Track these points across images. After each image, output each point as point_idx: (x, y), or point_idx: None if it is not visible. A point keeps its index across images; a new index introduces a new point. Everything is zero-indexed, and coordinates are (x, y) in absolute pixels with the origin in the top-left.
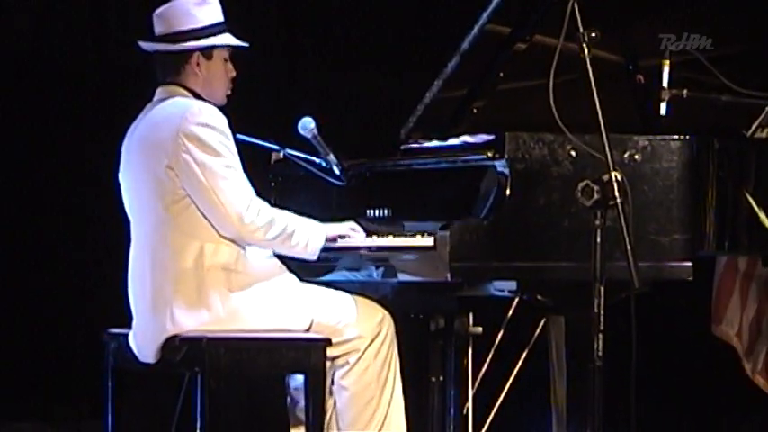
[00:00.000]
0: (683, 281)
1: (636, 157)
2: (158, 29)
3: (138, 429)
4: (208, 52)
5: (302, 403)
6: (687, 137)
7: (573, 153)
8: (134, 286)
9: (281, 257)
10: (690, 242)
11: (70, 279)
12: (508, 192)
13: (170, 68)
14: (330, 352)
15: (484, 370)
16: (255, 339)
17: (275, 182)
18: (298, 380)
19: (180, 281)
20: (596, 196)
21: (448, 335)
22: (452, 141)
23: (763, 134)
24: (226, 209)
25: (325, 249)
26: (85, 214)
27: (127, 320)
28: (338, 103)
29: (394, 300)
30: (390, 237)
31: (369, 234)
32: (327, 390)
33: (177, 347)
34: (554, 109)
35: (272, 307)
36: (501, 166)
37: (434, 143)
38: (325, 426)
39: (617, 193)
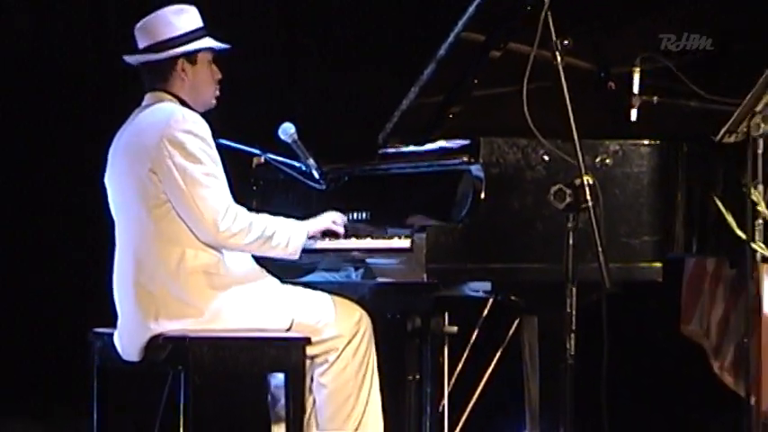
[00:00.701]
0: (653, 282)
1: (607, 161)
2: (141, 41)
3: (124, 426)
4: (192, 57)
5: (282, 401)
6: (657, 142)
7: (546, 157)
8: (119, 287)
9: (262, 259)
10: (659, 244)
11: (57, 280)
12: (483, 195)
13: (157, 77)
14: (310, 351)
15: (459, 369)
16: (237, 339)
17: (257, 185)
18: (278, 378)
19: (163, 283)
20: (569, 200)
21: (424, 334)
22: (429, 146)
23: (731, 139)
24: (202, 214)
25: (306, 251)
26: (73, 218)
27: (112, 320)
28: (338, 102)
29: (372, 300)
30: (368, 239)
31: (348, 236)
32: (307, 388)
33: (161, 346)
34: (528, 115)
35: (253, 307)
36: (476, 170)
37: (411, 148)
38: (305, 423)
39: (589, 197)
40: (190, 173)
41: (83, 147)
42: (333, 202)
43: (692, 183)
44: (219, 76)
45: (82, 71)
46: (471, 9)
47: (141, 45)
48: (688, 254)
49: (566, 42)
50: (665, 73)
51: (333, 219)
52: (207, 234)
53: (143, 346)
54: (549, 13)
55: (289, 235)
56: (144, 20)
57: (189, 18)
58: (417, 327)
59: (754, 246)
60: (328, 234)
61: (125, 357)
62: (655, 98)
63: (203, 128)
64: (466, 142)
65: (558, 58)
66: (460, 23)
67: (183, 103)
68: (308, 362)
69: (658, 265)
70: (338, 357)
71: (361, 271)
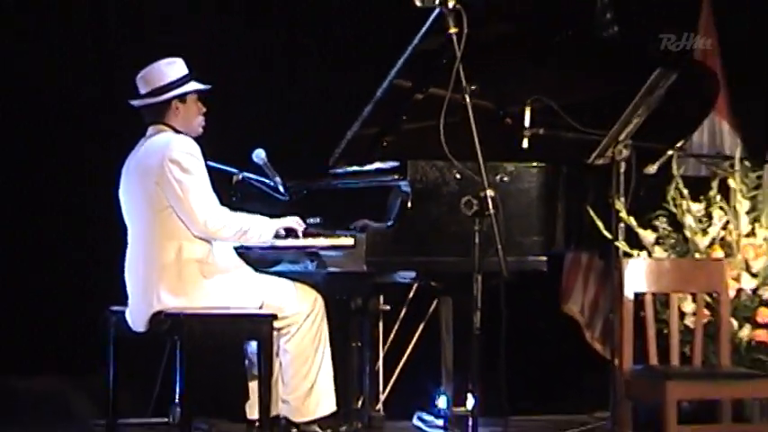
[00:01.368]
0: (540, 271)
1: (505, 179)
2: (142, 88)
3: (132, 382)
4: (183, 98)
5: (256, 364)
6: (543, 164)
7: (458, 176)
8: (129, 274)
9: (241, 253)
10: (545, 242)
11: (82, 269)
12: (409, 205)
13: (156, 114)
14: (276, 324)
15: (391, 338)
16: (220, 315)
17: (235, 196)
18: (253, 345)
19: (164, 271)
20: (475, 208)
21: (364, 311)
22: (368, 167)
23: (600, 162)
24: (196, 215)
25: (274, 248)
26: (97, 222)
27: (124, 301)
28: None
29: (324, 285)
30: (321, 238)
31: (305, 235)
32: (275, 353)
33: (162, 321)
34: (444, 143)
35: (233, 291)
36: (404, 185)
37: (355, 168)
38: (273, 380)
39: (491, 206)
40: (185, 184)
41: (92, 166)
42: (294, 209)
43: (570, 195)
44: (204, 109)
45: (93, 105)
46: (401, 62)
47: (142, 91)
48: (567, 249)
49: (473, 88)
50: (549, 111)
51: (295, 221)
52: (199, 229)
53: (148, 320)
54: (460, 65)
55: (260, 230)
56: (143, 71)
57: (178, 68)
58: (359, 306)
59: (617, 244)
60: (290, 232)
61: (134, 329)
62: (541, 130)
63: (195, 149)
64: (396, 164)
65: (467, 100)
66: (393, 72)
67: (178, 131)
68: (275, 333)
69: (544, 258)
70: (298, 329)
71: (316, 263)
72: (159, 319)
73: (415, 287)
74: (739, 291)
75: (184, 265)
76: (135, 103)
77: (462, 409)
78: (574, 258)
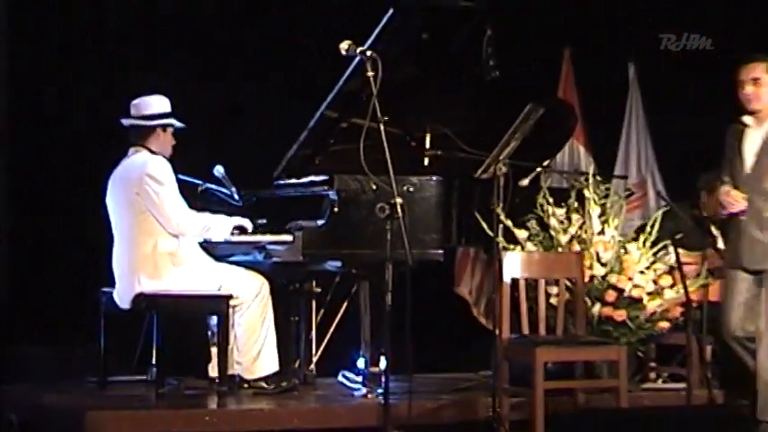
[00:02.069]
0: (437, 261)
1: (410, 189)
2: (134, 112)
3: (118, 349)
4: (165, 127)
5: (216, 333)
6: (440, 178)
7: (374, 187)
8: (116, 264)
9: (204, 247)
10: (441, 239)
11: (80, 260)
12: (336, 209)
13: (140, 135)
14: (231, 303)
15: (321, 313)
16: (188, 295)
17: (200, 202)
18: (213, 320)
19: (143, 261)
20: (387, 212)
21: (300, 293)
22: (304, 179)
23: (484, 176)
24: (170, 217)
25: (229, 242)
26: (91, 223)
27: (112, 284)
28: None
29: (269, 272)
30: (268, 235)
31: (255, 233)
32: (231, 325)
33: (142, 300)
34: (363, 161)
35: (198, 276)
36: (332, 194)
37: (293, 180)
38: (229, 346)
39: (399, 211)
40: (161, 194)
41: (91, 178)
42: (246, 213)
43: (461, 202)
44: (174, 142)
45: (87, 131)
46: (330, 97)
47: (134, 113)
48: (458, 245)
49: (385, 118)
50: (445, 136)
51: (244, 222)
52: (172, 228)
53: (131, 299)
54: (376, 100)
55: (220, 226)
56: (138, 100)
57: (165, 104)
58: (296, 288)
59: (497, 240)
60: (242, 231)
61: (120, 306)
62: (439, 152)
63: (167, 166)
64: (326, 177)
65: (381, 127)
66: (323, 105)
67: (153, 152)
68: (230, 310)
69: (440, 251)
70: (248, 307)
71: (263, 254)
72: (140, 298)
73: (340, 274)
74: (592, 277)
75: (159, 256)
76: (125, 121)
77: (376, 368)
78: (464, 252)
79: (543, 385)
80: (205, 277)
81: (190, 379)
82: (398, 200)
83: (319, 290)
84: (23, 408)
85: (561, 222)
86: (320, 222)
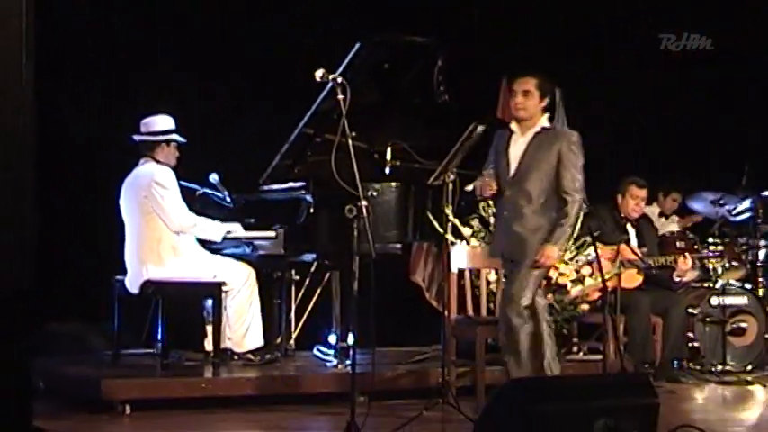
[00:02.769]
0: (396, 254)
1: (374, 194)
2: (143, 129)
3: (129, 328)
4: (169, 142)
5: (211, 314)
6: (399, 184)
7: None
8: (127, 256)
9: (201, 242)
10: (400, 235)
11: (98, 252)
12: (312, 210)
13: (148, 149)
14: (224, 288)
15: (299, 297)
16: (188, 282)
17: (199, 205)
18: (209, 302)
19: (150, 253)
20: (355, 213)
21: (282, 280)
22: (285, 185)
23: (437, 183)
24: (171, 219)
25: (224, 238)
26: (107, 221)
27: (124, 272)
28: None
29: (256, 262)
30: (255, 231)
31: (244, 229)
32: (223, 307)
33: (149, 286)
34: (334, 170)
35: (196, 266)
36: (309, 198)
37: (276, 186)
38: (222, 325)
39: (364, 212)
40: (165, 198)
41: (110, 184)
42: (236, 213)
43: (416, 204)
44: (178, 154)
45: (107, 144)
46: (306, 117)
47: (143, 131)
48: (414, 240)
49: (353, 134)
50: (403, 150)
51: (235, 226)
52: (175, 227)
53: (140, 285)
54: (345, 119)
55: (217, 229)
56: (147, 119)
57: (168, 122)
58: (278, 276)
59: (446, 236)
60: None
61: (131, 291)
62: (398, 162)
63: (171, 175)
64: (304, 183)
65: (350, 142)
66: (301, 124)
67: (159, 162)
68: (223, 294)
69: (399, 245)
70: (238, 292)
71: (251, 248)
72: (147, 285)
73: (315, 264)
74: None
75: (163, 249)
76: (136, 137)
77: (345, 343)
78: (418, 246)
79: (484, 358)
80: (202, 267)
81: (189, 352)
82: (364, 202)
83: (298, 278)
84: (50, 376)
85: None
86: (299, 221)
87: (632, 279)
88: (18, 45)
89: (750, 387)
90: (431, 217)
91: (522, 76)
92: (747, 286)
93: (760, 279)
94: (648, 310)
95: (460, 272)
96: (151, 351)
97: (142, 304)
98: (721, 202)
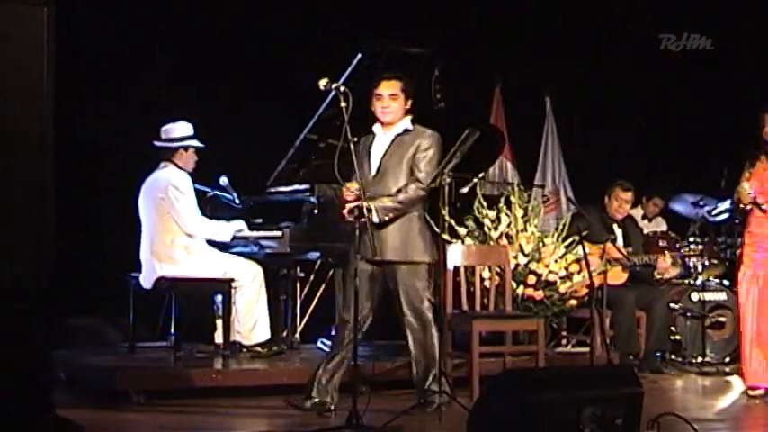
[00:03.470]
0: None
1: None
2: (163, 136)
3: (144, 322)
4: (187, 148)
5: (221, 309)
6: None
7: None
8: (142, 253)
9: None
10: None
11: (115, 250)
12: (315, 211)
13: (168, 154)
14: (233, 285)
15: (304, 293)
16: (199, 279)
17: (209, 206)
18: (218, 298)
19: (164, 251)
20: (356, 213)
21: (287, 277)
22: (290, 188)
23: (433, 185)
24: (185, 222)
25: (234, 237)
26: (125, 222)
27: (139, 269)
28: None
29: (263, 260)
30: (262, 231)
31: (251, 229)
32: (232, 302)
33: (163, 282)
34: (337, 173)
35: (207, 264)
36: (313, 199)
37: (282, 188)
38: (231, 319)
39: (365, 213)
40: (181, 201)
41: (127, 187)
42: (245, 214)
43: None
44: (196, 158)
45: (128, 151)
46: (311, 123)
47: (163, 137)
48: None
49: (355, 139)
50: None
51: (243, 225)
52: (188, 229)
53: (154, 281)
54: (347, 126)
55: (226, 230)
56: (166, 126)
57: (187, 129)
58: (284, 273)
59: (443, 235)
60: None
61: (145, 287)
62: None
63: (187, 179)
64: (308, 186)
65: (352, 147)
66: (306, 130)
67: (178, 166)
68: (232, 290)
69: None
70: (246, 288)
71: (258, 246)
72: (161, 281)
73: (318, 262)
74: (517, 264)
75: (176, 248)
76: (157, 143)
77: None
78: None
79: (479, 350)
80: (212, 265)
81: (200, 345)
82: (365, 204)
83: (302, 274)
84: (70, 367)
85: (492, 222)
86: (303, 222)
87: (618, 276)
88: (39, 56)
89: (728, 378)
90: (428, 217)
91: (388, 80)
92: (726, 283)
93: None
94: (633, 305)
95: (456, 269)
96: (164, 344)
97: (156, 300)
98: (701, 203)
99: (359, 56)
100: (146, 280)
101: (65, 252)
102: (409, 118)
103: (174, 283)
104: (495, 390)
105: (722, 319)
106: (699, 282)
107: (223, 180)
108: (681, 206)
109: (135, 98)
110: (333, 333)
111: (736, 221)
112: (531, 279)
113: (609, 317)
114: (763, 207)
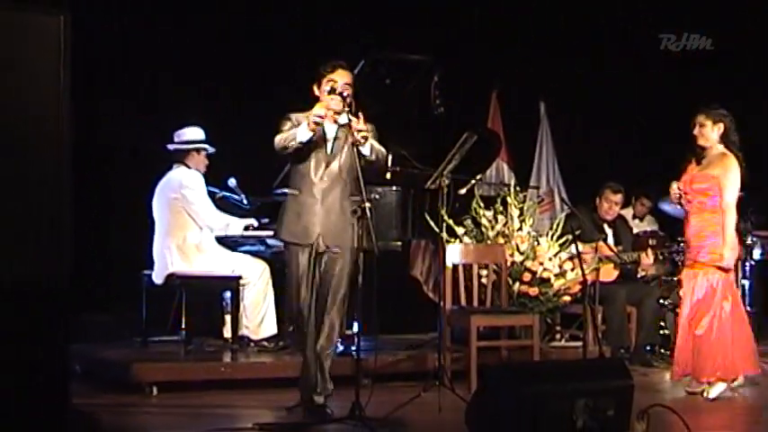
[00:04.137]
0: (397, 250)
1: (377, 196)
2: (176, 139)
3: (156, 317)
4: (198, 150)
5: (230, 304)
6: (399, 188)
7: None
8: (155, 251)
9: (221, 239)
10: (400, 234)
11: (128, 248)
12: None
13: (180, 156)
14: (241, 282)
15: None
16: (209, 276)
17: (220, 205)
18: (227, 294)
19: (175, 249)
20: (359, 213)
21: None
22: None
23: (433, 186)
24: (200, 215)
25: (242, 236)
26: (138, 221)
27: (151, 266)
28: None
29: (270, 258)
30: (268, 230)
31: (258, 229)
32: (240, 298)
33: (174, 279)
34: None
35: (216, 261)
36: None
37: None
38: (239, 314)
39: (368, 213)
40: (193, 196)
41: (142, 188)
42: (252, 214)
43: (415, 206)
44: (207, 162)
45: (143, 153)
46: None
47: (176, 141)
48: (413, 238)
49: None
50: (402, 157)
51: (252, 222)
52: (202, 223)
53: (165, 278)
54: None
55: (235, 225)
56: (180, 130)
57: (198, 133)
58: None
59: (442, 235)
60: (251, 226)
61: (157, 283)
62: (398, 168)
63: (200, 179)
64: None
65: (355, 150)
66: None
67: (189, 167)
68: (240, 287)
69: (399, 243)
70: (254, 285)
71: (265, 245)
72: (172, 277)
73: None
74: (513, 262)
75: (187, 246)
76: (170, 146)
77: (350, 331)
78: (417, 243)
79: (476, 344)
80: (221, 262)
81: (210, 339)
82: (367, 204)
83: None
84: (85, 360)
85: (490, 221)
86: None
87: (609, 273)
88: (56, 62)
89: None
90: (428, 217)
91: (344, 69)
92: None
93: None
94: (624, 301)
95: (455, 267)
96: (175, 338)
97: (167, 296)
98: None
99: (361, 63)
100: (158, 277)
101: (80, 250)
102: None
103: (185, 279)
104: (492, 382)
105: None
106: None
107: (231, 182)
108: (668, 206)
109: (147, 102)
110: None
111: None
112: (527, 276)
113: (601, 312)
114: (686, 208)
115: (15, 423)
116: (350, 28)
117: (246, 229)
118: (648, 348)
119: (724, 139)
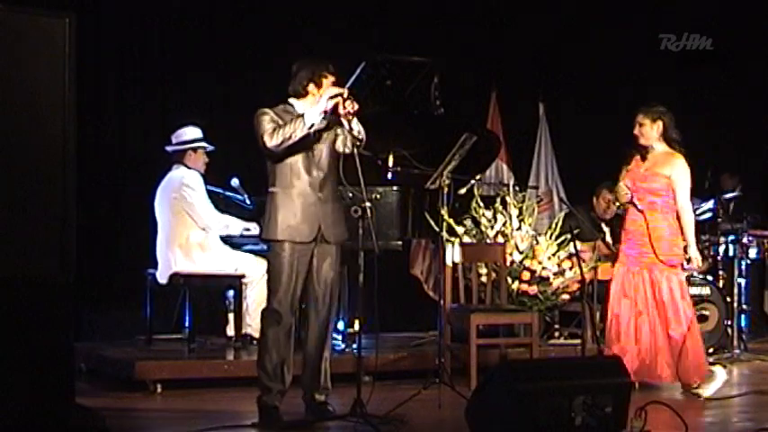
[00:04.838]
0: (398, 250)
1: (377, 196)
2: (174, 140)
3: (160, 316)
4: (196, 149)
5: (233, 303)
6: (399, 188)
7: (350, 194)
8: (158, 250)
9: (224, 238)
10: (400, 233)
11: (132, 248)
12: None
13: (179, 156)
14: (244, 280)
15: None
16: (212, 274)
17: (222, 206)
18: (230, 292)
19: (178, 248)
20: (360, 214)
21: None
22: None
23: (433, 186)
24: (199, 214)
25: (243, 236)
26: (142, 220)
27: (155, 265)
28: None
29: None
30: None
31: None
32: (243, 297)
33: (178, 278)
34: (342, 175)
35: (219, 260)
36: None
37: None
38: (242, 315)
39: (369, 213)
40: (193, 196)
41: (147, 188)
42: (254, 214)
43: (415, 205)
44: (206, 159)
45: (144, 153)
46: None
47: (174, 141)
48: (413, 237)
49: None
50: (403, 157)
51: (252, 225)
52: (202, 223)
53: (169, 277)
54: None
55: (236, 225)
56: (177, 131)
57: (195, 132)
58: None
59: (442, 234)
60: (248, 229)
61: (161, 282)
62: (398, 168)
63: (199, 179)
64: None
65: (356, 150)
66: None
67: (189, 167)
68: (243, 285)
69: (400, 242)
70: (257, 284)
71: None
72: (176, 276)
73: None
74: (512, 261)
75: (190, 245)
76: (168, 148)
77: (352, 329)
78: (417, 243)
79: (476, 342)
80: (224, 261)
81: (213, 337)
82: (368, 204)
83: None
84: (90, 358)
85: (489, 221)
86: None
87: (607, 272)
88: (62, 64)
89: (711, 367)
90: (428, 217)
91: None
92: (709, 278)
93: (720, 272)
94: None
95: (455, 265)
96: (179, 336)
97: (171, 295)
98: None
99: (363, 64)
100: (161, 276)
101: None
102: None
103: (188, 278)
104: (492, 379)
105: (706, 312)
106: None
107: (234, 182)
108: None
109: (151, 105)
110: (338, 326)
111: (719, 220)
112: (526, 275)
113: (599, 310)
114: (640, 207)
115: (21, 420)
116: (350, 28)
117: (244, 236)
118: None
119: (664, 136)
